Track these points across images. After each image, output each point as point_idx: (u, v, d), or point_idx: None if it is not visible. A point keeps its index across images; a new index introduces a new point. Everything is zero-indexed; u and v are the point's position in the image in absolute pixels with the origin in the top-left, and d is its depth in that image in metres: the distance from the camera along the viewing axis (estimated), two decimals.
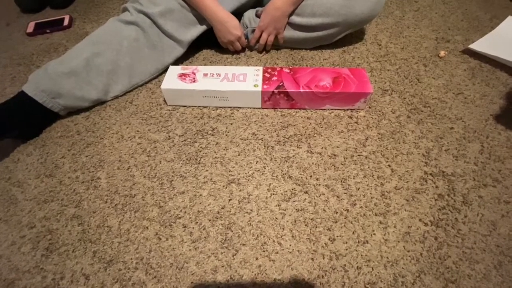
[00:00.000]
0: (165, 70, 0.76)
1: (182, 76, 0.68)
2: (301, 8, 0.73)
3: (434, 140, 0.62)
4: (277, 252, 0.49)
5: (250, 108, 0.70)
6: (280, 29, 0.72)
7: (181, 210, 0.54)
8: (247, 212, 0.53)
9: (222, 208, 0.54)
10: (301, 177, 0.57)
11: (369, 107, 0.69)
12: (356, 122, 0.66)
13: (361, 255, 0.48)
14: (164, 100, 0.72)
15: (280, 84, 0.66)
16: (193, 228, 0.52)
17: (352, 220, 0.52)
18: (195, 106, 0.71)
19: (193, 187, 0.57)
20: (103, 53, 0.67)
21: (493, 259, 0.47)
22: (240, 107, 0.70)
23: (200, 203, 0.55)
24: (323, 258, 0.48)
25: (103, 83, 0.68)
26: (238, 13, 0.79)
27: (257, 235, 0.50)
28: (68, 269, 0.48)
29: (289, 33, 0.77)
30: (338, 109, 0.69)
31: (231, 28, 0.68)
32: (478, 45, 0.79)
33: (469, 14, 0.95)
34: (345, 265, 0.47)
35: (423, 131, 0.64)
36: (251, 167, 0.59)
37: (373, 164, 0.59)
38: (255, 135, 0.65)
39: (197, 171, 0.59)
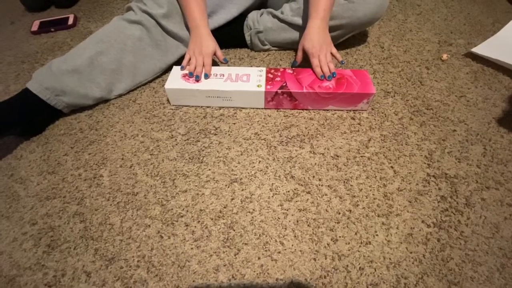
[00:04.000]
0: (168, 69, 0.76)
1: (186, 76, 0.69)
2: (304, 11, 0.73)
3: (436, 142, 0.62)
4: (279, 252, 0.48)
5: (253, 108, 0.70)
6: (331, 44, 0.69)
7: (183, 209, 0.54)
8: (249, 212, 0.53)
9: (225, 207, 0.54)
10: (304, 178, 0.57)
11: (372, 109, 0.69)
12: (359, 124, 0.66)
13: (364, 256, 0.48)
14: (168, 100, 0.72)
15: (283, 84, 0.66)
16: (195, 226, 0.51)
17: (354, 221, 0.51)
18: (198, 106, 0.71)
19: (196, 186, 0.57)
20: (107, 51, 0.67)
21: (496, 262, 0.47)
22: (243, 107, 0.70)
23: (203, 202, 0.55)
24: (326, 259, 0.48)
25: (106, 81, 0.69)
26: (242, 14, 0.80)
27: (259, 235, 0.50)
28: (69, 266, 0.48)
29: (293, 35, 0.78)
30: (341, 110, 0.69)
31: (204, 46, 0.68)
32: (480, 49, 0.79)
33: (472, 18, 0.95)
34: (347, 265, 0.47)
35: (425, 133, 0.64)
36: (254, 166, 0.59)
37: (376, 165, 0.59)
38: (258, 135, 0.65)
39: (199, 170, 0.59)
